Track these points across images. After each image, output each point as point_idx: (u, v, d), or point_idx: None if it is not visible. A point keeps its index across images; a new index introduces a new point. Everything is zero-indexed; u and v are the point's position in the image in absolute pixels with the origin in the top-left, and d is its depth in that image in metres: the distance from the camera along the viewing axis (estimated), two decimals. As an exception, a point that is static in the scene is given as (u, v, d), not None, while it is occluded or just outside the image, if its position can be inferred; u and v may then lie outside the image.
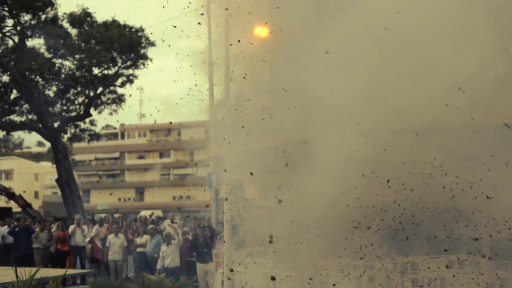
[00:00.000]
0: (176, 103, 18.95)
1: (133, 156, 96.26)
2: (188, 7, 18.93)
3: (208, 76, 27.41)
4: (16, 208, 45.40)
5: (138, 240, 25.70)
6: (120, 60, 43.68)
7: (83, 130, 47.55)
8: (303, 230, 14.62)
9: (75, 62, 43.50)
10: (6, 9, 41.44)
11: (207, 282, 21.56)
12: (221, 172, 23.47)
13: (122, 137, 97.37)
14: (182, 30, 18.55)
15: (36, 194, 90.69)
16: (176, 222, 27.50)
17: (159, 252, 22.44)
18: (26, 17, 42.07)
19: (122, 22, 44.10)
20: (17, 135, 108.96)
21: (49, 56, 43.37)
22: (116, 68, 43.83)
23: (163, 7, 19.46)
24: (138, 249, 25.52)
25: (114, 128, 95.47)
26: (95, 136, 48.87)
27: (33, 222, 28.95)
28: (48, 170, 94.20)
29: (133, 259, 26.15)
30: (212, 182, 28.17)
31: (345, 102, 13.50)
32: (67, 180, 43.64)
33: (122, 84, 44.64)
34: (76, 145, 75.35)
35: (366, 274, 15.03)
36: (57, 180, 44.46)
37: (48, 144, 64.66)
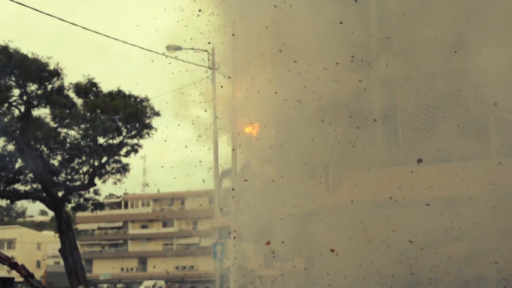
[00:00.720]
0: (187, 175, 18.96)
1: (136, 226, 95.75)
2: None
3: (213, 145, 27.56)
4: (18, 278, 44.88)
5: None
6: (125, 130, 43.84)
7: (87, 200, 47.35)
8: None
9: (80, 132, 43.67)
10: (13, 79, 41.79)
11: None
12: (226, 242, 23.27)
13: (126, 206, 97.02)
14: (190, 94, 18.69)
15: (38, 264, 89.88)
16: None
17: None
18: (32, 87, 42.33)
19: (127, 92, 44.48)
20: (20, 203, 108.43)
21: (55, 125, 43.57)
22: (121, 137, 43.97)
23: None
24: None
25: (117, 197, 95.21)
26: (99, 206, 48.63)
27: (35, 293, 28.53)
28: (50, 240, 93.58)
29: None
30: (216, 252, 27.90)
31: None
32: (70, 249, 43.31)
33: (127, 154, 44.68)
34: (79, 214, 75.03)
35: None
36: (60, 250, 44.12)
37: (51, 213, 64.30)
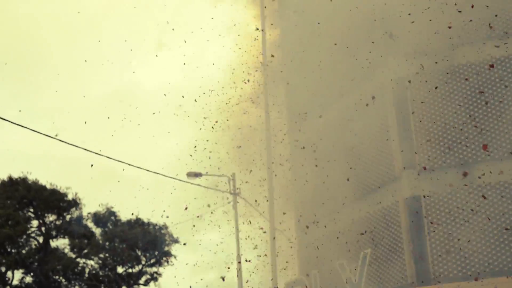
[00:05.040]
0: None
1: None
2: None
3: (238, 272, 27.16)
4: None
5: None
6: (144, 258, 43.51)
7: (106, 329, 46.50)
8: None
9: (99, 261, 43.34)
10: (31, 210, 41.93)
11: None
12: None
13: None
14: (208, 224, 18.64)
15: None
16: None
17: None
18: (51, 217, 42.39)
19: (146, 220, 44.39)
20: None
21: (73, 256, 43.28)
22: (140, 266, 43.60)
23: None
24: None
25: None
26: (118, 335, 47.74)
27: None
28: None
29: None
30: None
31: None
32: None
33: (146, 282, 44.20)
34: None
35: None
36: None
37: None
